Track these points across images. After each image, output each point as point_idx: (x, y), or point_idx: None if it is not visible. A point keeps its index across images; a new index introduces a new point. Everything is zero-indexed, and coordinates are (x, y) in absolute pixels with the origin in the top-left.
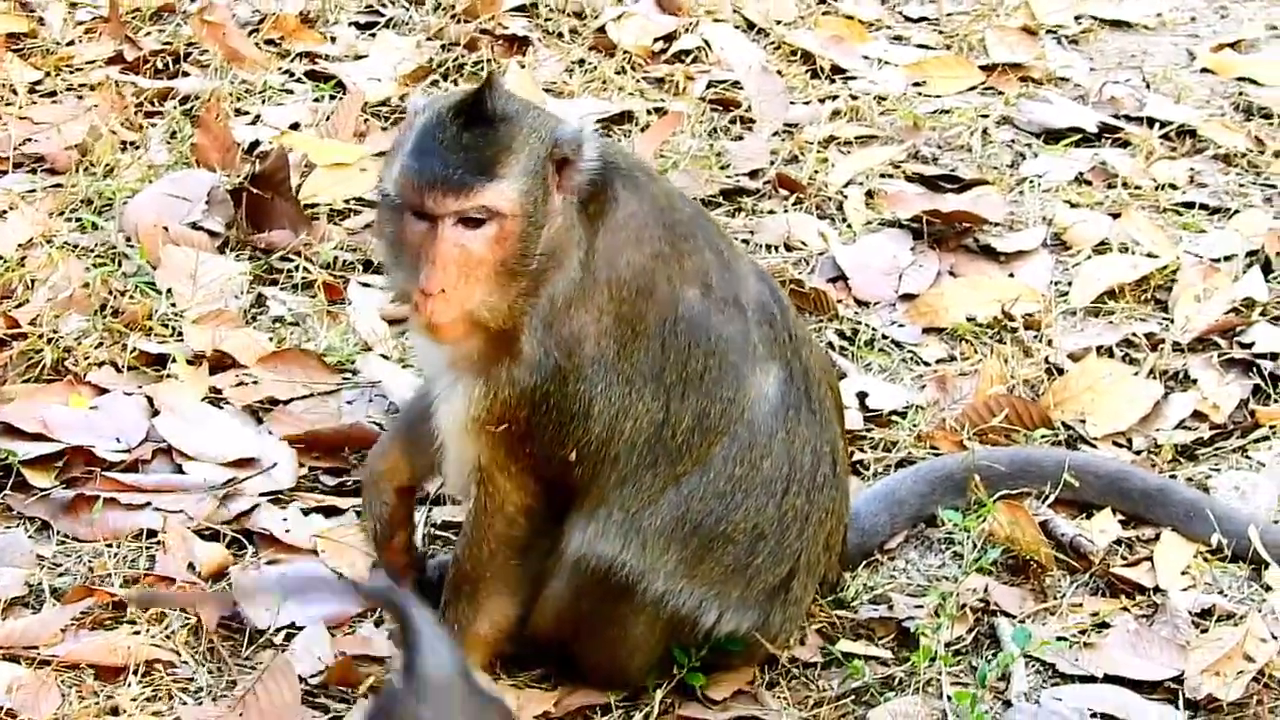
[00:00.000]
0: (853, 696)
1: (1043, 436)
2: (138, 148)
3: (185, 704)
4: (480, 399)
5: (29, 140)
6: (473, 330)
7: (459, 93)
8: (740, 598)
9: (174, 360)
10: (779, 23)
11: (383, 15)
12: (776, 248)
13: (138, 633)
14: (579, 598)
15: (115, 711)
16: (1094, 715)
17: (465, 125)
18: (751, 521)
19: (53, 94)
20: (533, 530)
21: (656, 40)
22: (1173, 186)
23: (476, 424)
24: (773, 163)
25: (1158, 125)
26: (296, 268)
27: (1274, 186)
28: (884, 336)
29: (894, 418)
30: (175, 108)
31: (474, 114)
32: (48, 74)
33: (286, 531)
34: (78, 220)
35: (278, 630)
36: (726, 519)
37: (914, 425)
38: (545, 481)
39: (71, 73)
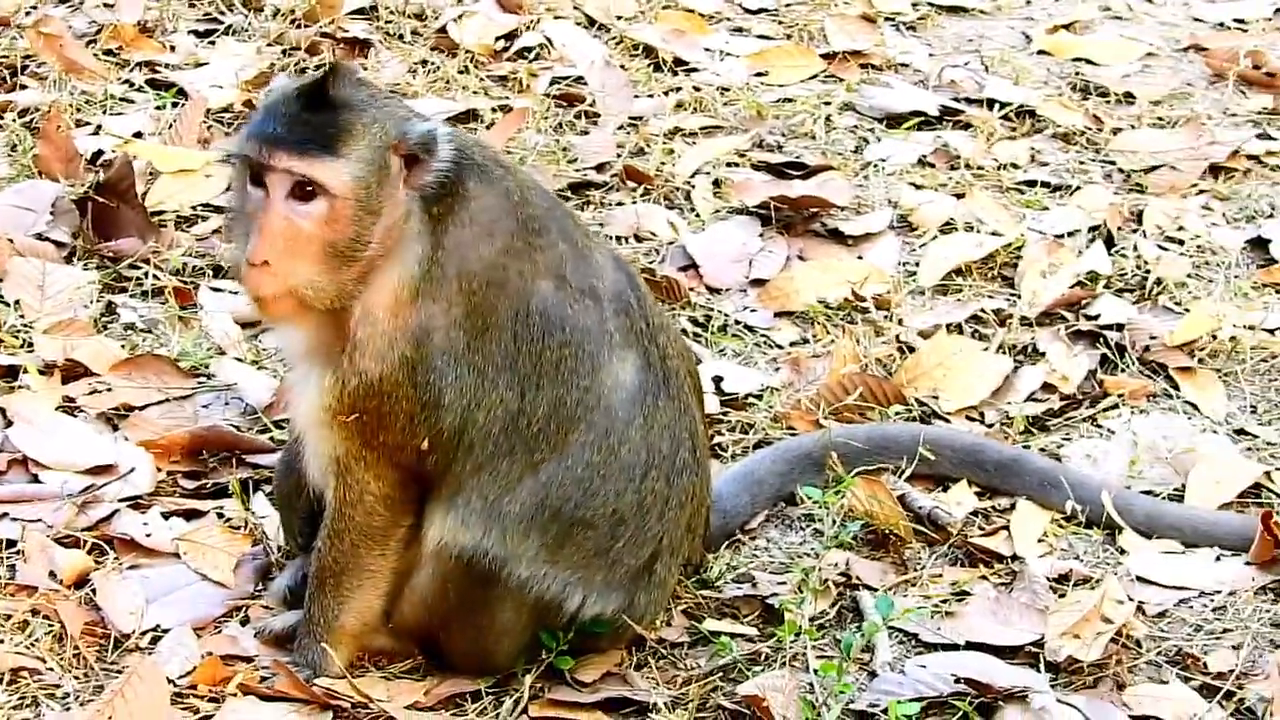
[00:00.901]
0: (720, 674)
1: (897, 413)
2: None
3: (53, 709)
4: (330, 389)
5: None
6: (301, 311)
7: (311, 75)
8: (604, 581)
9: (25, 371)
10: (619, 18)
11: (221, 22)
12: (626, 239)
13: (1, 641)
14: (443, 586)
15: None
16: (958, 680)
17: (310, 105)
18: (611, 507)
19: None
20: (392, 520)
21: (498, 39)
22: (1014, 166)
23: (328, 414)
24: (619, 155)
25: (997, 106)
26: (146, 275)
27: (1113, 163)
28: (736, 322)
29: (750, 400)
30: (14, 120)
31: (318, 96)
32: None
33: (148, 536)
34: None
35: (143, 634)
36: (586, 505)
37: (770, 407)
38: (402, 470)
39: None
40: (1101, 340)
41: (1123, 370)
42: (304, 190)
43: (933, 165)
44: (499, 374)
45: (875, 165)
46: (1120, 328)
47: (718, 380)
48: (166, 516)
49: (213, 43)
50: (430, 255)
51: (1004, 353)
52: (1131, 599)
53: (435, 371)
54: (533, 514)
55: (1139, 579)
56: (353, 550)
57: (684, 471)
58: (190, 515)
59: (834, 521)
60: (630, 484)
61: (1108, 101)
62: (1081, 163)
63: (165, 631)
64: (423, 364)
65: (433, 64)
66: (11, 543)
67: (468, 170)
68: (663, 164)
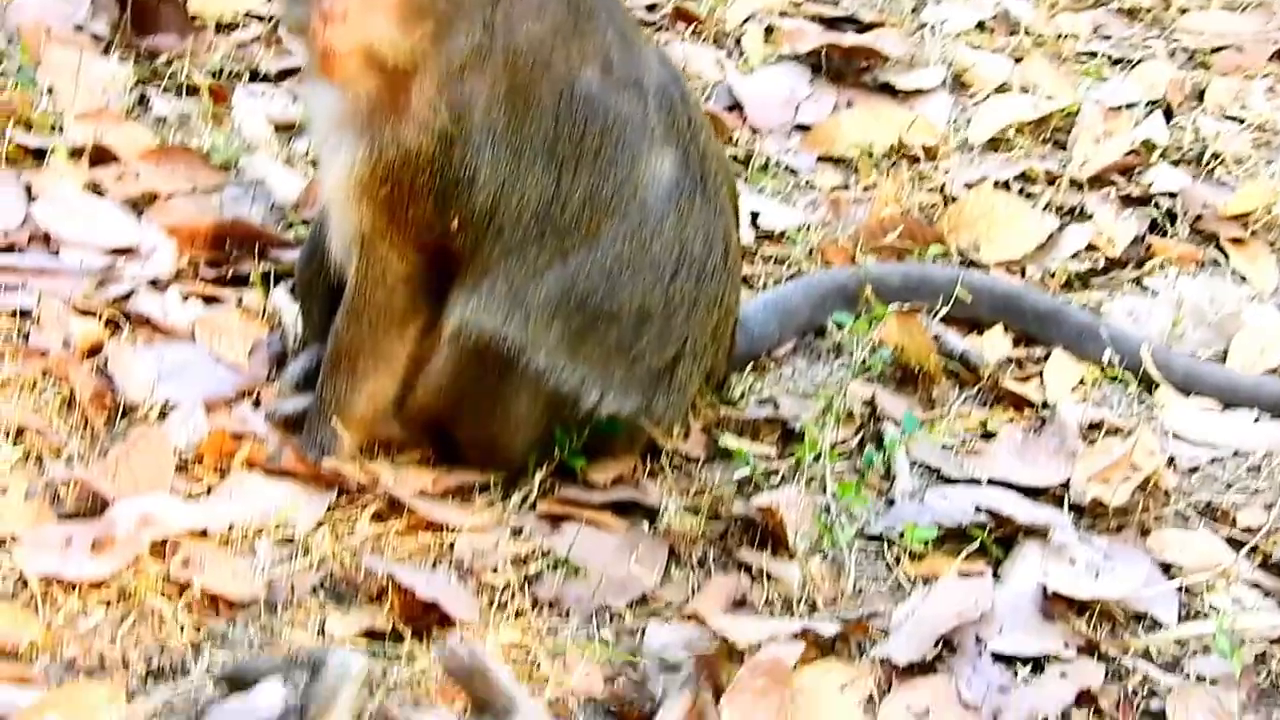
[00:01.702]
0: (735, 487)
1: (935, 257)
2: None
3: (56, 467)
4: (364, 159)
5: None
6: (367, 71)
7: None
8: (623, 379)
9: (54, 152)
10: None
11: None
12: None
13: (9, 400)
14: (460, 373)
15: None
16: (979, 510)
17: None
18: (637, 302)
19: None
20: (413, 303)
21: None
22: (1075, 36)
23: (359, 186)
24: None
25: None
26: (181, 71)
27: (1178, 41)
28: (778, 163)
29: (786, 237)
30: None
31: None
32: None
33: (165, 315)
34: None
35: (152, 406)
36: (612, 297)
37: (806, 243)
38: (428, 251)
39: None
40: (1153, 205)
41: (1172, 236)
42: None
43: (991, 30)
44: (536, 157)
45: (932, 26)
46: (1173, 195)
47: (754, 215)
48: (185, 299)
49: None
50: (483, 27)
51: (1051, 212)
52: (1164, 451)
53: (473, 148)
54: (557, 302)
55: (1173, 435)
56: (370, 331)
57: (714, 276)
58: (209, 301)
59: (864, 350)
60: (659, 280)
61: None
62: (1145, 39)
63: (174, 407)
64: (461, 139)
65: None
66: (26, 312)
67: None
68: (714, 8)
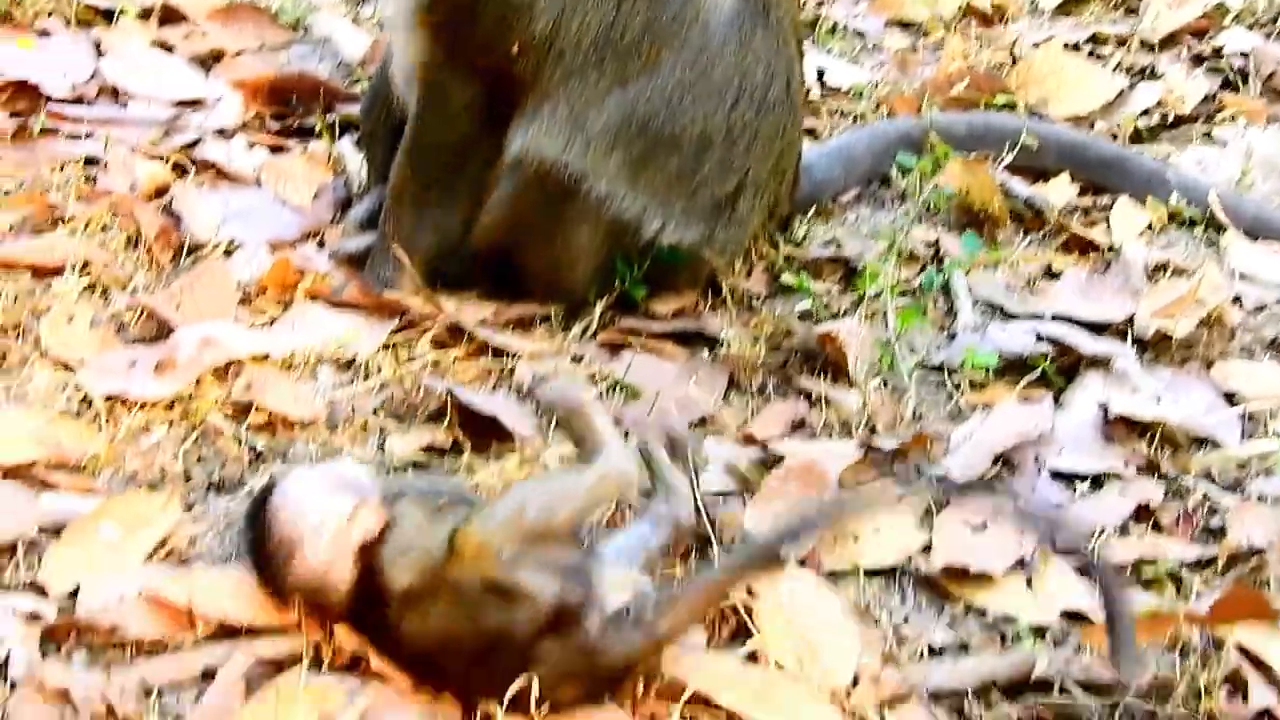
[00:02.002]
0: (796, 319)
1: (1001, 108)
2: None
3: (121, 296)
4: None
5: None
6: None
7: None
8: (685, 209)
9: (122, 12)
10: None
11: None
12: None
13: (74, 232)
14: (520, 201)
15: (52, 308)
16: (1041, 340)
17: None
18: (698, 128)
19: None
20: (474, 132)
21: None
22: None
23: (420, 12)
24: None
25: None
26: None
27: None
28: (845, 27)
29: (853, 92)
30: None
31: None
32: None
33: (230, 161)
34: None
35: (217, 244)
36: (673, 123)
37: (873, 97)
38: (488, 79)
39: None
40: (1225, 64)
41: (1243, 93)
42: None
43: None
44: None
45: None
46: (1245, 55)
47: (820, 72)
48: (250, 147)
49: None
50: None
51: (1120, 72)
52: (1230, 289)
53: None
54: (617, 128)
55: (1240, 275)
56: (432, 162)
57: (776, 106)
58: (274, 150)
59: (926, 191)
60: (720, 107)
61: None
62: None
63: (239, 246)
64: None
65: None
66: (94, 159)
67: None
68: None
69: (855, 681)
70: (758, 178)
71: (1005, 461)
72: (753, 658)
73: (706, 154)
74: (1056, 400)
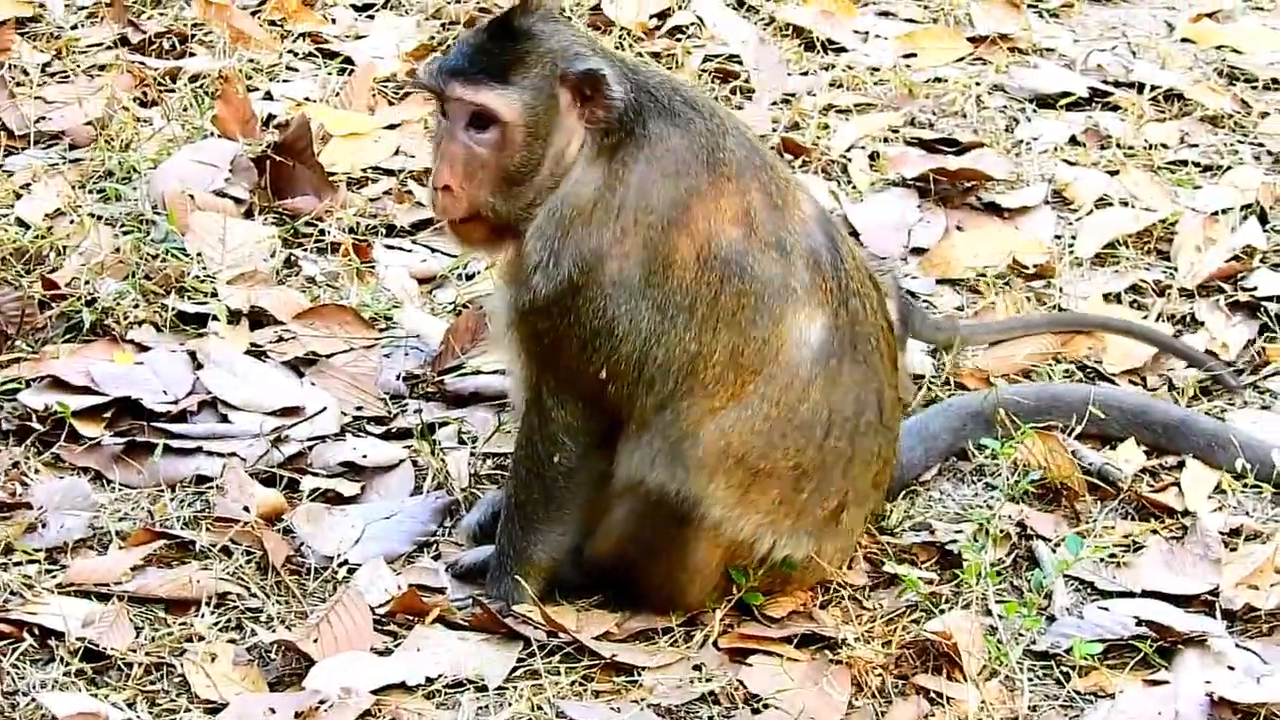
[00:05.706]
0: (905, 612)
1: (1064, 374)
2: (151, 123)
3: (258, 632)
4: (510, 306)
5: (44, 119)
6: (486, 233)
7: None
8: (792, 527)
9: (215, 318)
10: (767, 0)
11: None
12: None
13: (207, 568)
14: (638, 523)
15: (192, 639)
16: (1139, 623)
17: (494, 36)
18: (791, 461)
19: (63, 75)
20: (580, 454)
21: (651, 17)
22: (1165, 146)
23: (511, 330)
24: (775, 129)
25: (1146, 89)
26: (322, 232)
27: (1262, 145)
28: (899, 288)
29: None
30: (186, 85)
31: (504, 28)
32: (56, 55)
33: (336, 475)
34: (100, 191)
35: (340, 565)
36: (767, 456)
37: (939, 368)
38: (587, 403)
39: (80, 54)
40: (1261, 310)
41: None
42: (480, 119)
43: (1084, 144)
44: (678, 313)
45: (1027, 143)
46: (1278, 299)
47: None
48: (354, 452)
49: (371, 16)
50: (604, 185)
51: (1163, 321)
52: None
53: (607, 298)
54: (716, 460)
55: None
56: (539, 480)
57: (869, 432)
58: (376, 458)
59: (1009, 472)
60: (810, 442)
61: (1254, 87)
62: (1230, 145)
63: (357, 566)
64: (589, 289)
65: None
66: (205, 478)
67: (651, 111)
68: (818, 138)
69: None
70: (859, 494)
71: None
72: None
73: (804, 481)
74: (1157, 682)
